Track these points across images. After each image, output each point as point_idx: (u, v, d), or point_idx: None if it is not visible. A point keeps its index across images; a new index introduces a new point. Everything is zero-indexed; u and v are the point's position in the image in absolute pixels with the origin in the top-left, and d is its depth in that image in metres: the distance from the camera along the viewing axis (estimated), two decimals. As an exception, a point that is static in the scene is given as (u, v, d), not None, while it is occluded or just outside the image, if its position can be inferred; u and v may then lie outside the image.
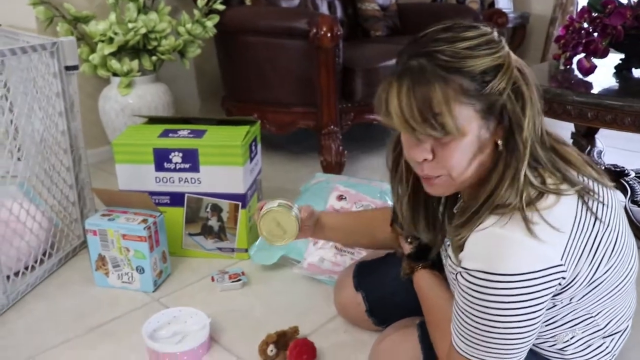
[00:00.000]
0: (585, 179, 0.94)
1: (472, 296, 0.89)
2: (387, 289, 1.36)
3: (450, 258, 1.02)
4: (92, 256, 1.67)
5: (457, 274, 0.92)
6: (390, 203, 1.83)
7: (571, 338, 1.02)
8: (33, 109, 1.74)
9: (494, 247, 0.87)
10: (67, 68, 1.77)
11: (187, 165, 1.73)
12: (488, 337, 0.90)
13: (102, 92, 2.53)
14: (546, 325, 1.00)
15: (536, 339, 1.03)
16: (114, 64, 2.39)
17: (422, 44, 0.88)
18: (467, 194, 1.00)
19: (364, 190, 1.82)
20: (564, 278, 0.88)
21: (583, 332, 1.01)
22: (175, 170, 1.74)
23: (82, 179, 1.91)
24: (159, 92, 2.50)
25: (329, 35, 2.22)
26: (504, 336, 0.89)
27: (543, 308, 0.89)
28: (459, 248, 0.93)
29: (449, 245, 1.02)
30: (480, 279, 0.87)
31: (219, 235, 1.81)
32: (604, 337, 1.04)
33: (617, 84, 1.98)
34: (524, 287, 0.85)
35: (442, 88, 0.84)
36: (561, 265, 0.87)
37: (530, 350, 1.05)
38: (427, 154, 0.90)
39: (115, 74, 2.46)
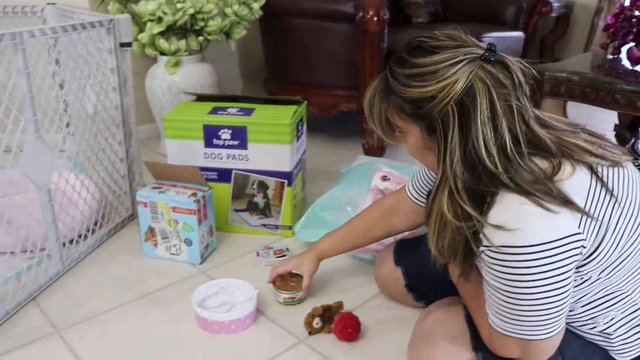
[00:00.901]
0: (598, 159, 0.97)
1: (498, 271, 0.93)
2: (426, 265, 1.37)
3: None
4: (142, 227, 1.72)
5: (481, 252, 0.95)
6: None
7: (611, 320, 1.03)
8: (85, 85, 1.80)
9: (512, 221, 0.90)
10: (122, 45, 1.82)
11: (235, 142, 1.77)
12: (519, 310, 0.94)
13: (149, 71, 2.58)
14: (582, 307, 1.02)
15: (575, 321, 1.05)
16: (162, 43, 2.44)
17: (394, 57, 1.01)
18: None
19: (406, 172, 1.84)
20: (584, 247, 0.91)
21: (622, 313, 1.03)
22: (223, 146, 1.78)
23: (132, 153, 1.96)
24: (205, 72, 2.55)
25: (375, 19, 2.24)
26: (534, 308, 0.92)
27: (569, 278, 0.91)
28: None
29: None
30: (503, 253, 0.91)
31: (264, 212, 1.85)
32: None
33: (668, 74, 1.96)
34: (546, 257, 0.88)
35: (382, 103, 1.03)
36: (579, 233, 0.90)
37: (574, 334, 1.07)
38: (392, 141, 1.11)
39: (162, 53, 2.51)
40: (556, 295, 0.91)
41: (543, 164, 0.95)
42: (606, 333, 1.05)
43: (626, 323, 1.04)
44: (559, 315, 0.94)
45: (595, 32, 3.87)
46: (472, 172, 0.94)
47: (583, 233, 0.91)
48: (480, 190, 0.95)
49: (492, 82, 0.92)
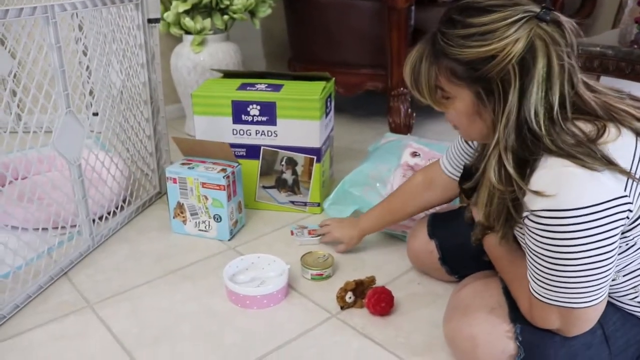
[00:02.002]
0: None
1: (542, 237, 0.91)
2: (461, 238, 1.36)
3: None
4: (170, 204, 1.72)
5: (524, 218, 0.94)
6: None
7: None
8: (112, 62, 1.79)
9: (556, 183, 0.88)
10: (150, 21, 1.81)
11: (264, 118, 1.76)
12: (563, 277, 0.92)
13: (174, 50, 2.58)
14: (624, 275, 1.00)
15: (616, 291, 1.03)
16: (187, 21, 2.43)
17: (441, 19, 0.98)
18: None
19: (436, 149, 1.81)
20: (630, 211, 0.89)
21: None
22: (252, 122, 1.77)
23: (160, 131, 1.96)
24: (230, 50, 2.54)
25: (403, -5, 2.20)
26: (578, 274, 0.91)
27: (615, 243, 0.89)
28: None
29: None
30: (547, 217, 0.89)
31: (293, 189, 1.84)
32: None
33: None
34: (591, 221, 0.86)
35: (431, 68, 0.98)
36: (626, 196, 0.88)
37: (613, 306, 1.05)
38: (439, 108, 1.05)
39: (188, 32, 2.50)
40: (601, 262, 0.90)
41: (587, 127, 0.93)
42: None
43: None
44: (604, 283, 0.92)
45: (623, 11, 3.79)
46: (519, 134, 0.93)
47: (630, 196, 0.88)
48: (524, 155, 0.93)
49: (550, 40, 0.90)
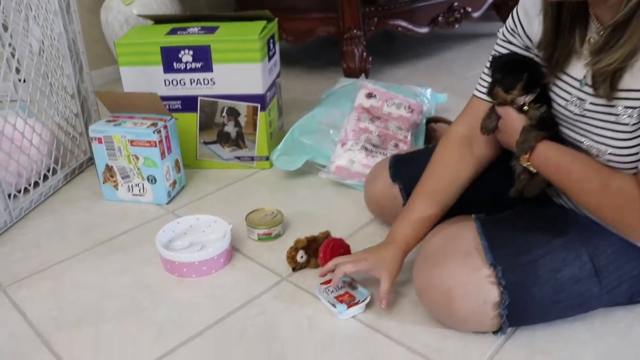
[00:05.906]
0: None
1: None
2: None
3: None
4: (98, 167, 1.52)
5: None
6: (424, 104, 1.66)
7: None
8: (27, 18, 1.56)
9: None
10: (59, -38, 1.58)
11: (198, 65, 1.55)
12: None
13: (104, 4, 2.34)
14: None
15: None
16: (114, -30, 2.19)
17: None
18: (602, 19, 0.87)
19: (394, 90, 1.64)
20: None
21: None
22: (185, 70, 1.57)
23: (85, 88, 1.74)
24: (165, 0, 2.31)
25: None
26: None
27: None
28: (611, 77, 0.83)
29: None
30: None
31: (237, 143, 1.65)
32: None
33: None
34: None
35: None
36: None
37: (608, 239, 0.94)
38: None
39: (116, -18, 2.27)
40: None
41: None
42: None
43: None
44: None
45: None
46: None
47: None
48: None
49: None
